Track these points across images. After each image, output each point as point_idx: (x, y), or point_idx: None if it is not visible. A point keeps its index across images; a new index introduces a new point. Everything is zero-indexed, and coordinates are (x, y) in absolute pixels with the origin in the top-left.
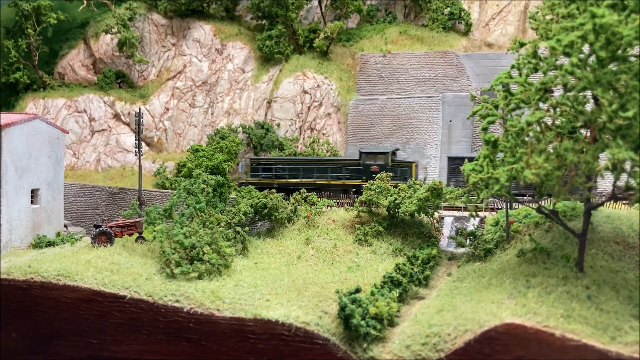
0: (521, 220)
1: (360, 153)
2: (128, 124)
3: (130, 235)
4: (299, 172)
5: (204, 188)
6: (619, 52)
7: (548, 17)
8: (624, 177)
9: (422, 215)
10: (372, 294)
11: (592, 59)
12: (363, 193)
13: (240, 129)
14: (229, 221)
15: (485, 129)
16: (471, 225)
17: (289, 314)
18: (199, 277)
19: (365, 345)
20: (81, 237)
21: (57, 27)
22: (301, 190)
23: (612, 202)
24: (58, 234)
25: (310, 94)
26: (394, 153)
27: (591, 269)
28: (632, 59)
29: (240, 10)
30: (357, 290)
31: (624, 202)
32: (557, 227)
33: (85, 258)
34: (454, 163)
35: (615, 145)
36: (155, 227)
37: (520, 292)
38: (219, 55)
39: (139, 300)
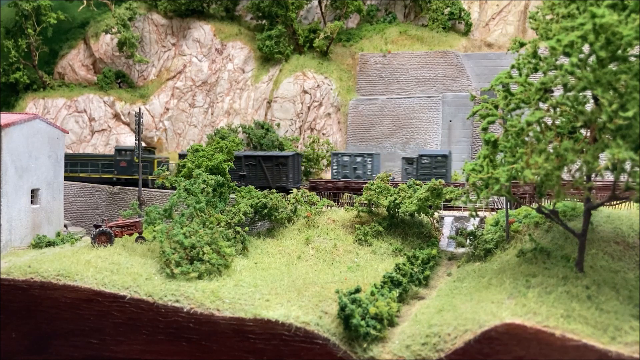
0: (521, 220)
1: (115, 150)
2: (128, 124)
3: (130, 235)
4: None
5: (204, 188)
6: (619, 52)
7: (548, 17)
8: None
9: (422, 215)
10: (372, 294)
11: (592, 59)
12: (363, 193)
13: (240, 129)
14: (229, 221)
15: (485, 129)
16: (471, 225)
17: (289, 314)
18: (199, 277)
19: (365, 345)
20: (81, 237)
21: (57, 27)
22: (301, 190)
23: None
24: (58, 234)
25: (310, 94)
26: (146, 149)
27: (591, 269)
28: (632, 59)
29: (240, 10)
30: (357, 290)
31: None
32: (557, 227)
33: (85, 258)
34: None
35: (615, 145)
36: (155, 227)
37: (520, 292)
38: (219, 55)
39: (139, 300)
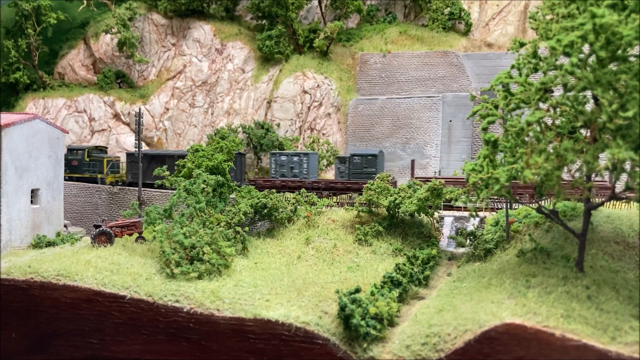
0: (521, 220)
1: (67, 149)
2: (128, 124)
3: (130, 235)
4: None
5: (204, 188)
6: (619, 52)
7: (548, 17)
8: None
9: (422, 215)
10: (372, 294)
11: (592, 59)
12: (363, 193)
13: (240, 129)
14: (229, 221)
15: (485, 129)
16: (471, 225)
17: (289, 314)
18: (199, 277)
19: (365, 345)
20: (81, 237)
21: (57, 27)
22: (301, 190)
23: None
24: (58, 234)
25: (310, 94)
26: (98, 149)
27: (591, 269)
28: (632, 59)
29: (240, 10)
30: (357, 290)
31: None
32: (557, 227)
33: (85, 258)
34: (131, 158)
35: (615, 145)
36: (155, 227)
37: (520, 292)
38: (219, 55)
39: (139, 300)
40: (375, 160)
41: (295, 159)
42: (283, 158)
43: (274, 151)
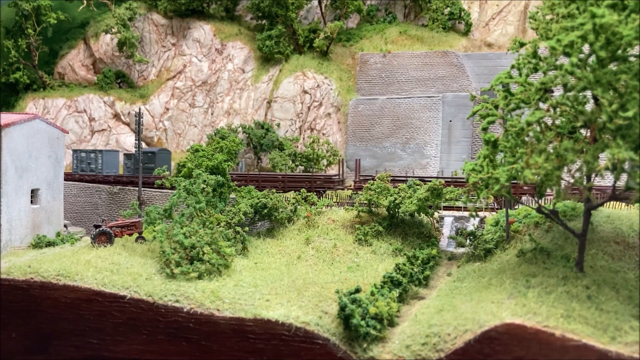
0: (521, 220)
1: None
2: (128, 124)
3: (130, 235)
4: None
5: (204, 188)
6: (619, 52)
7: (548, 17)
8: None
9: (422, 215)
10: (372, 294)
11: (592, 59)
12: (363, 193)
13: (240, 129)
14: (229, 221)
15: (485, 129)
16: (471, 225)
17: (289, 314)
18: (199, 277)
19: (365, 345)
20: (81, 237)
21: (57, 27)
22: (301, 190)
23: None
24: (58, 234)
25: (310, 94)
26: None
27: (591, 269)
28: (632, 59)
29: (240, 10)
30: (357, 290)
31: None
32: (557, 227)
33: (85, 258)
34: None
35: (615, 145)
36: (155, 227)
37: (520, 292)
38: (219, 55)
39: (139, 300)
40: (154, 157)
41: (92, 155)
42: (83, 154)
43: (76, 149)
